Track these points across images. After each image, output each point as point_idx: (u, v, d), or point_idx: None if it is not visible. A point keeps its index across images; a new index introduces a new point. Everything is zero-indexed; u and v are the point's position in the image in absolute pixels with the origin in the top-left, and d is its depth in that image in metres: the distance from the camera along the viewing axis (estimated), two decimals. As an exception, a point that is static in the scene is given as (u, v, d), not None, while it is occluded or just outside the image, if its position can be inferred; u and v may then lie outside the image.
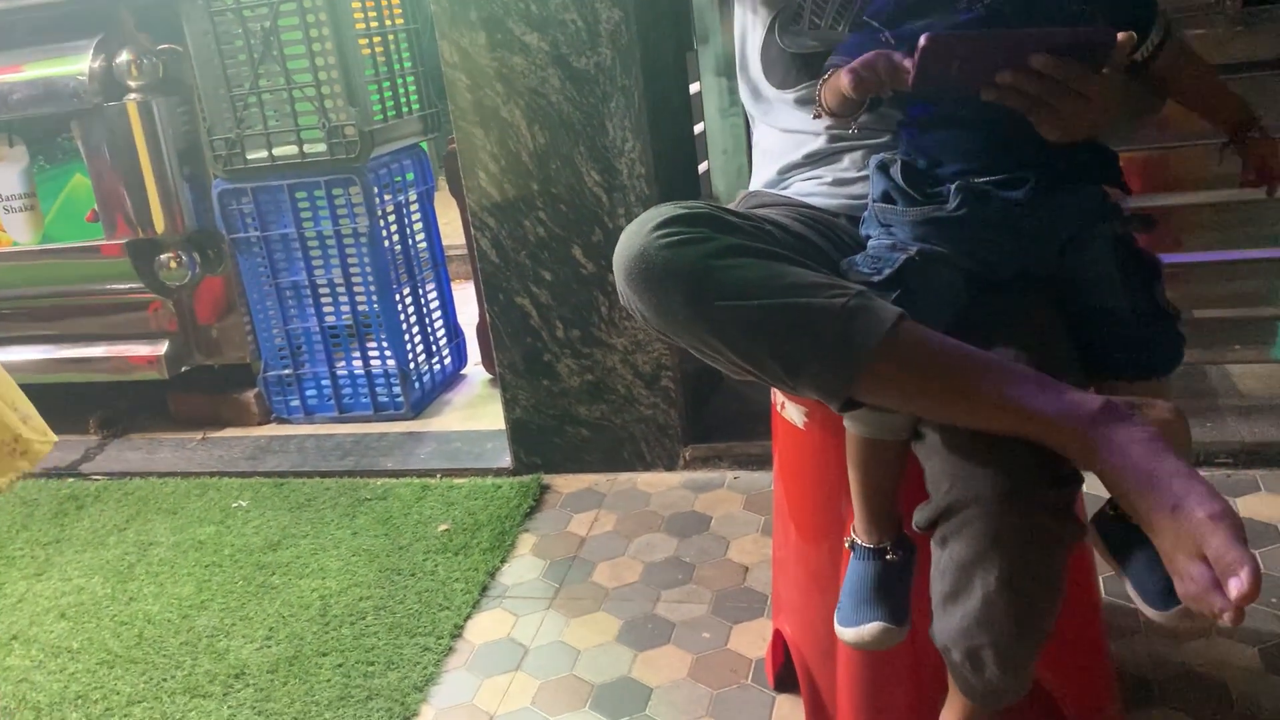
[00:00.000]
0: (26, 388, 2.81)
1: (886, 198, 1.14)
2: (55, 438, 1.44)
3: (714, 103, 2.45)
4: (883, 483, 1.17)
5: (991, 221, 1.08)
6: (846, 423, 1.17)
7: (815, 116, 1.16)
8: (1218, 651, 1.52)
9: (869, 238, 1.16)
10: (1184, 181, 2.03)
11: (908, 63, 0.99)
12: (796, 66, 1.28)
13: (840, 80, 1.05)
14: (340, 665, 1.72)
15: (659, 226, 1.04)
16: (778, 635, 1.53)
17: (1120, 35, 0.97)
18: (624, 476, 2.24)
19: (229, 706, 1.66)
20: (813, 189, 1.30)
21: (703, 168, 2.50)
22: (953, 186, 1.08)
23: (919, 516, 1.07)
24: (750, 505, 2.06)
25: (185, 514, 2.30)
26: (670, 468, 2.23)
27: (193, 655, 1.80)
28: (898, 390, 1.02)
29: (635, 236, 1.05)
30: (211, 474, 2.47)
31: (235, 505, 2.30)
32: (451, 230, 3.34)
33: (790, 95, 1.30)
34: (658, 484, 2.19)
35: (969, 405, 1.00)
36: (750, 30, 1.34)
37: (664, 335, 1.08)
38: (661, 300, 1.02)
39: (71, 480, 2.55)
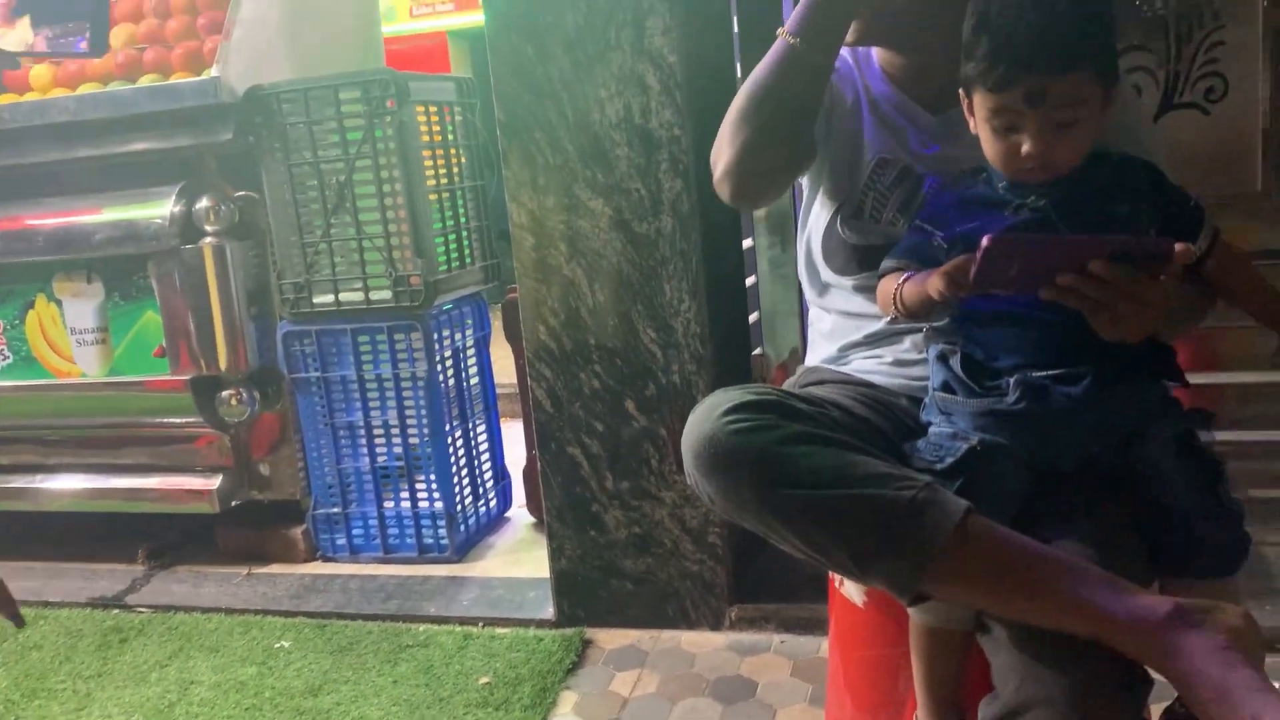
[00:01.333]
0: (76, 516, 2.88)
1: (946, 387, 1.16)
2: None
3: (765, 258, 2.52)
4: (946, 672, 1.16)
5: (1050, 416, 1.10)
6: (910, 610, 1.17)
7: (891, 320, 1.19)
8: None
9: (930, 424, 1.18)
10: (1242, 360, 2.04)
11: (970, 264, 1.03)
12: (857, 257, 1.32)
13: (931, 284, 1.07)
14: (378, 824, 1.69)
15: (728, 412, 1.07)
16: (829, 816, 1.49)
17: (1179, 246, 1.00)
18: (668, 634, 2.21)
19: None
20: (874, 368, 1.33)
21: (753, 318, 2.55)
22: (1011, 380, 1.11)
23: (985, 712, 1.05)
24: (798, 672, 2.03)
25: (227, 652, 2.29)
26: (715, 627, 2.21)
27: (229, 805, 1.77)
28: (966, 585, 1.02)
29: (704, 421, 1.08)
30: (255, 611, 2.48)
31: (278, 645, 2.29)
32: (501, 370, 3.40)
33: (849, 281, 1.34)
34: (702, 644, 2.16)
35: (1038, 604, 1.00)
36: (815, 217, 1.39)
37: (731, 519, 1.10)
38: (730, 486, 1.04)
39: (117, 611, 2.56)
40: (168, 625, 2.45)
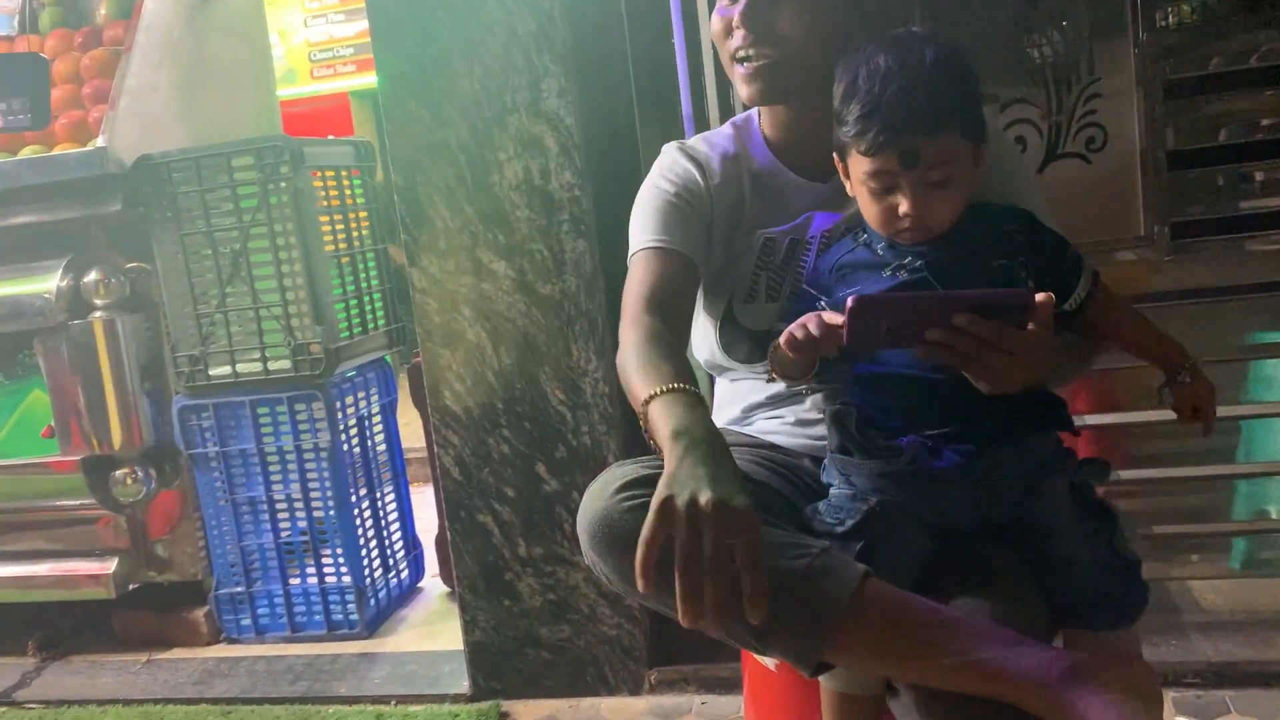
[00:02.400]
0: (-36, 608, 2.72)
1: (843, 449, 1.16)
2: None
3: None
4: (859, 736, 1.14)
5: (944, 475, 1.10)
6: (821, 678, 1.15)
7: (769, 380, 1.19)
8: None
9: (830, 485, 1.17)
10: (1132, 399, 2.09)
11: (839, 320, 1.04)
12: (760, 344, 1.26)
13: (780, 341, 1.08)
14: None
15: (620, 489, 1.04)
16: None
17: (1039, 296, 1.02)
18: (587, 702, 2.16)
19: None
20: (776, 428, 1.32)
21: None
22: (904, 441, 1.11)
23: (897, 774, 1.04)
24: (719, 733, 2.00)
25: (124, 748, 2.18)
26: (635, 692, 2.17)
27: None
28: (866, 650, 1.01)
29: (598, 499, 1.05)
30: (156, 700, 2.36)
31: (178, 738, 2.19)
32: (410, 433, 3.33)
33: (760, 368, 1.32)
34: (622, 710, 2.12)
35: (937, 665, 0.99)
36: (707, 315, 1.36)
37: (631, 598, 1.07)
38: (625, 565, 1.00)
39: (4, 709, 2.42)
40: (60, 721, 2.32)
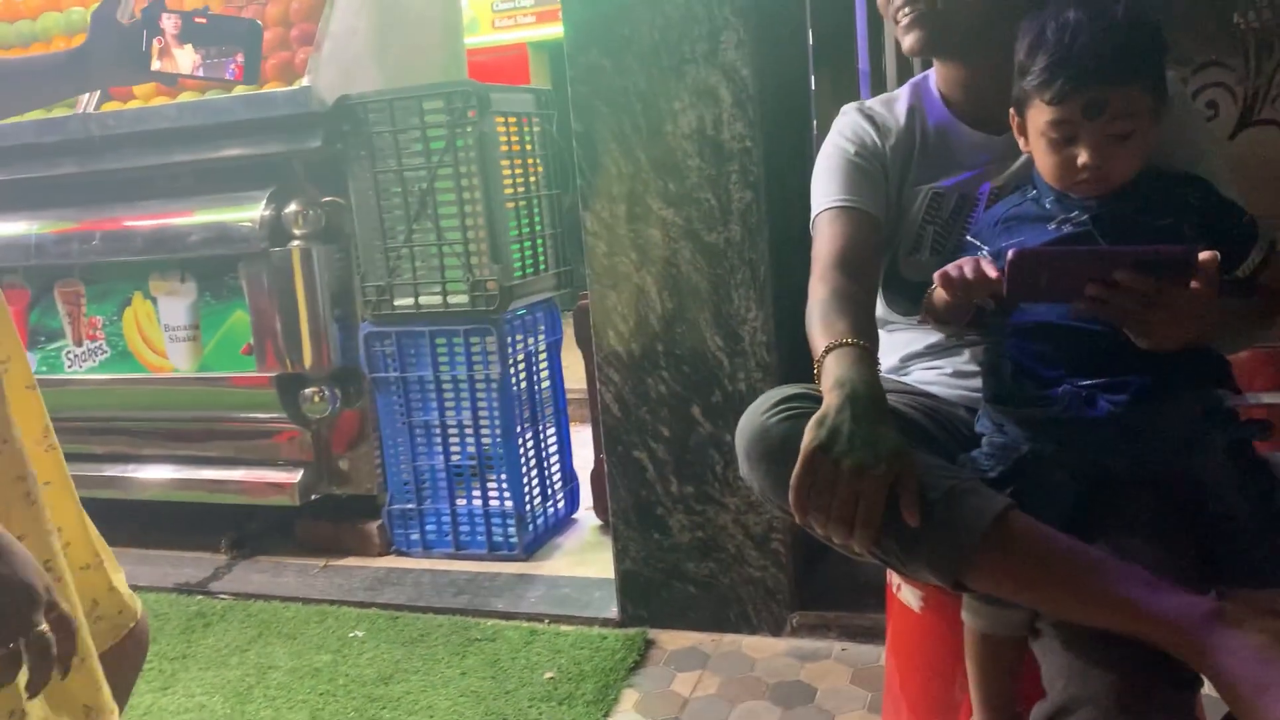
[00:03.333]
0: (164, 505, 3.01)
1: (997, 398, 1.18)
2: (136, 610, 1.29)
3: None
4: (1000, 679, 1.18)
5: (1098, 424, 1.11)
6: (964, 616, 1.19)
7: (920, 320, 1.22)
8: None
9: (982, 435, 1.20)
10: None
11: (993, 270, 1.06)
12: (920, 297, 1.31)
13: (935, 278, 1.11)
14: (443, 808, 1.75)
15: (776, 404, 1.14)
16: (883, 820, 1.51)
17: (1203, 255, 1.02)
18: (729, 638, 2.24)
19: (334, 840, 1.70)
20: (933, 378, 1.35)
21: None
22: (1059, 389, 1.13)
23: (1036, 714, 1.07)
24: (857, 679, 2.04)
25: (304, 640, 2.38)
26: (776, 633, 2.23)
27: (303, 783, 1.85)
28: (1007, 578, 1.04)
29: (754, 415, 1.15)
30: (331, 602, 2.57)
31: (352, 635, 2.38)
32: (571, 375, 3.47)
33: (917, 320, 1.37)
34: (763, 649, 2.19)
35: (1079, 600, 1.02)
36: None
37: (784, 512, 1.14)
38: (780, 474, 1.08)
39: (200, 598, 2.68)
40: (248, 612, 2.56)
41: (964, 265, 1.10)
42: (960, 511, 1.04)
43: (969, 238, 1.23)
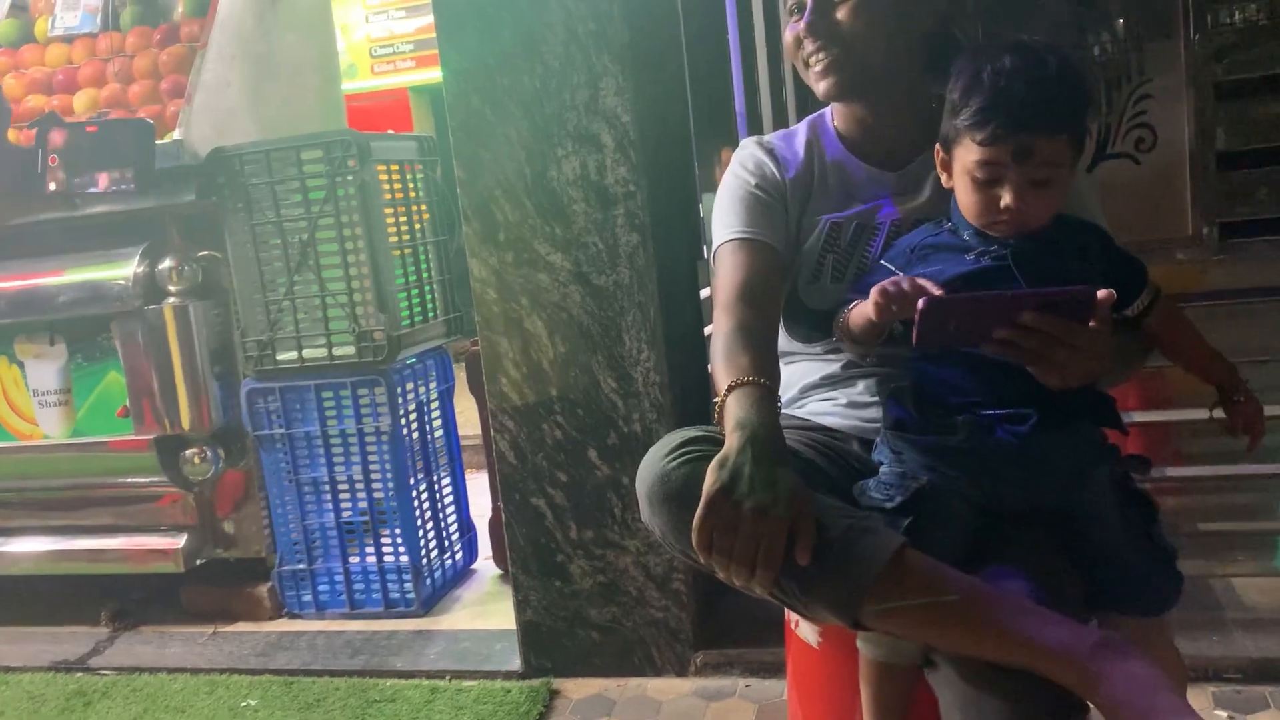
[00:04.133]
0: (39, 579, 2.85)
1: (899, 425, 1.21)
2: None
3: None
4: (894, 705, 1.20)
5: (996, 454, 1.15)
6: (860, 645, 1.21)
7: (835, 339, 1.24)
8: None
9: (880, 464, 1.23)
10: (1182, 398, 2.11)
11: (935, 289, 1.09)
12: (821, 325, 1.36)
13: (869, 299, 1.13)
14: None
15: (676, 449, 1.15)
16: None
17: (1100, 293, 1.07)
18: (634, 682, 2.23)
19: None
20: (828, 409, 1.38)
21: (712, 367, 2.60)
22: (960, 418, 1.16)
23: (933, 747, 1.09)
24: (763, 716, 2.05)
25: (193, 713, 2.28)
26: (681, 674, 2.23)
27: None
28: (902, 616, 1.07)
29: (654, 460, 1.16)
30: (221, 670, 2.47)
31: (244, 704, 2.29)
32: (466, 421, 3.43)
33: (818, 348, 1.40)
34: (668, 691, 2.18)
35: (970, 634, 1.05)
36: None
37: (686, 559, 1.14)
38: (682, 516, 1.09)
39: (80, 675, 2.54)
40: (132, 687, 2.44)
41: (901, 282, 1.12)
42: (856, 551, 1.06)
43: (883, 262, 1.25)
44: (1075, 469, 1.16)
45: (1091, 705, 1.01)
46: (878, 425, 1.29)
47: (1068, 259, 1.18)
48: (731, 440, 1.09)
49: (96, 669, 2.56)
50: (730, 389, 1.15)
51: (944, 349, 1.16)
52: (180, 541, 2.71)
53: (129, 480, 2.75)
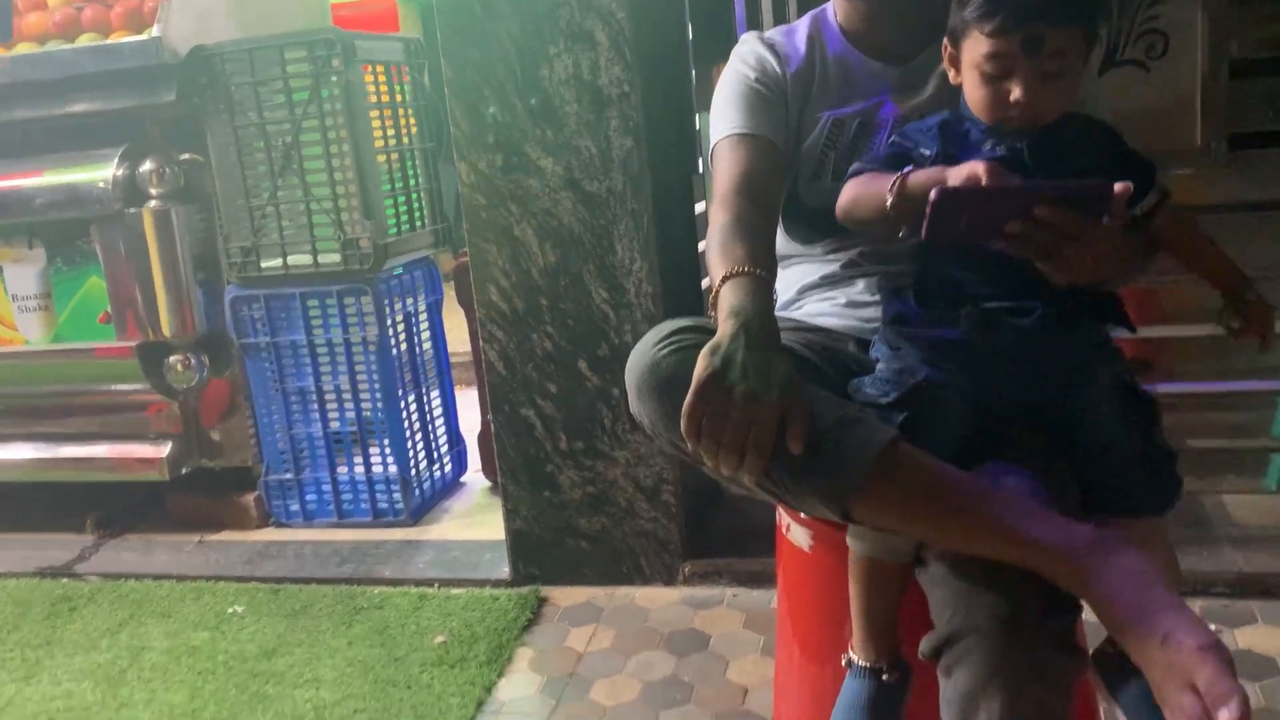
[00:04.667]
0: (24, 486, 2.83)
1: (899, 319, 1.18)
2: None
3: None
4: (882, 603, 1.19)
5: (999, 348, 1.12)
6: (849, 541, 1.19)
7: (891, 208, 1.16)
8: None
9: (877, 361, 1.20)
10: (1178, 314, 2.09)
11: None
12: (821, 224, 1.32)
13: (978, 168, 1.06)
14: (333, 780, 1.69)
15: (666, 337, 1.12)
16: (779, 761, 1.52)
17: (1117, 186, 1.03)
18: (622, 591, 2.23)
19: (218, 821, 1.63)
20: (827, 309, 1.35)
21: (704, 283, 2.56)
22: (964, 311, 1.13)
23: (924, 646, 1.08)
24: (750, 624, 2.06)
25: (179, 618, 2.28)
26: (669, 583, 2.23)
27: (182, 766, 1.77)
28: (894, 509, 1.05)
29: (644, 349, 1.13)
30: (208, 578, 2.46)
31: (231, 611, 2.28)
32: (455, 339, 3.39)
33: (817, 249, 1.37)
34: (656, 599, 2.18)
35: (963, 530, 1.03)
36: None
37: (675, 446, 1.12)
38: (672, 405, 1.06)
39: (65, 581, 2.53)
40: (118, 593, 2.43)
41: (979, 169, 1.05)
42: (849, 442, 1.04)
43: (901, 136, 1.20)
44: (1078, 367, 1.14)
45: (1085, 603, 0.99)
46: (876, 325, 1.26)
47: (1078, 156, 1.14)
48: (724, 327, 1.06)
49: (82, 575, 2.56)
50: (725, 279, 1.12)
51: (954, 243, 1.12)
52: (165, 450, 2.69)
53: (113, 388, 2.72)
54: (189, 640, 2.17)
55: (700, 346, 1.06)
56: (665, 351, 1.10)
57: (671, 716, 1.80)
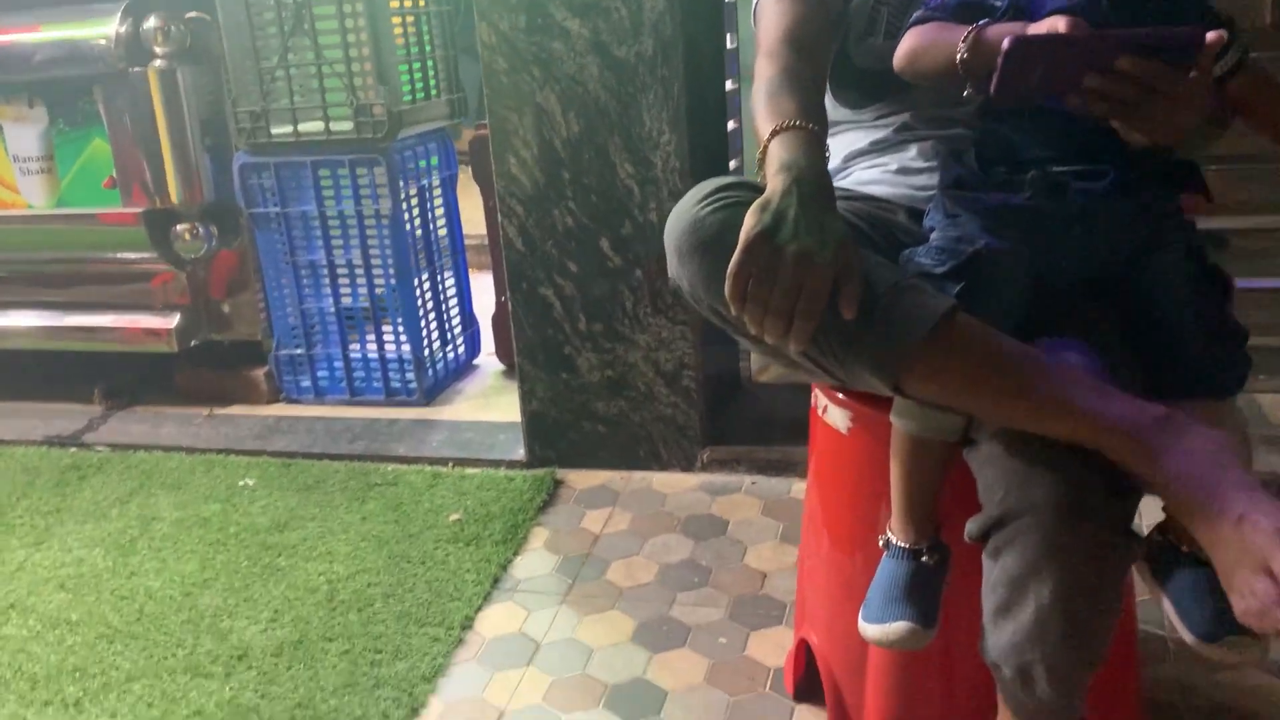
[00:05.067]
0: (29, 355, 2.79)
1: (958, 184, 1.10)
2: None
3: (748, 101, 2.41)
4: (926, 483, 1.13)
5: (1066, 215, 1.05)
6: (894, 420, 1.13)
7: (960, 59, 1.08)
8: (1249, 683, 1.49)
9: (931, 230, 1.12)
10: (1242, 205, 2.00)
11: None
12: (872, 88, 1.24)
13: (1058, 22, 0.97)
14: (347, 652, 1.68)
15: (711, 194, 1.04)
16: (801, 645, 1.49)
17: (1210, 35, 0.94)
18: (639, 475, 2.20)
19: (231, 688, 1.61)
20: (876, 176, 1.27)
21: (733, 165, 2.46)
22: (1029, 176, 1.05)
23: (971, 527, 1.03)
24: (768, 511, 2.02)
25: (190, 490, 2.25)
26: (687, 469, 2.19)
27: (194, 634, 1.76)
28: (950, 381, 0.98)
29: (686, 207, 1.05)
30: (218, 451, 2.43)
31: (242, 484, 2.25)
32: (469, 222, 3.30)
33: (867, 116, 1.28)
34: (674, 485, 2.15)
35: (1024, 405, 0.97)
36: None
37: (716, 312, 1.05)
38: (715, 266, 0.99)
39: (74, 450, 2.50)
40: (127, 464, 2.40)
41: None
42: (904, 309, 0.97)
43: None
44: (1149, 237, 1.06)
45: (1150, 485, 0.93)
46: (929, 193, 1.18)
47: (1158, 11, 1.04)
48: (775, 183, 0.98)
49: (90, 445, 2.53)
50: (774, 134, 1.03)
51: (1024, 100, 1.04)
52: (174, 321, 2.63)
53: (119, 256, 2.65)
54: (199, 512, 2.15)
55: (748, 204, 0.98)
56: (710, 209, 1.02)
57: (689, 599, 1.78)
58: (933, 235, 1.10)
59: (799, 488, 2.09)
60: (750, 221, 0.96)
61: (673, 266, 1.07)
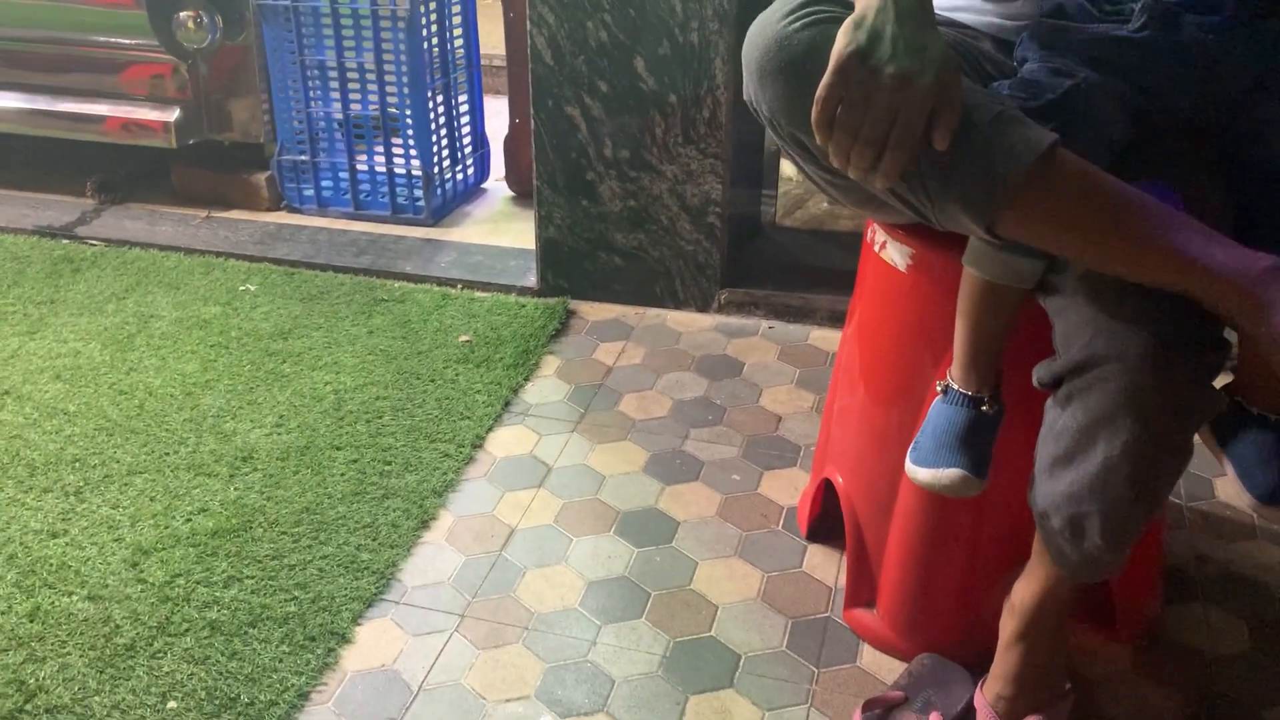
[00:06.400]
0: (19, 140, 2.66)
1: (1059, 12, 1.01)
2: None
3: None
4: (996, 331, 1.09)
5: (1177, 48, 0.96)
6: (966, 264, 1.07)
7: None
8: (1265, 555, 1.49)
9: (1024, 61, 1.04)
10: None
11: None
12: None
13: None
14: (355, 461, 1.65)
15: (796, 8, 0.95)
16: (820, 487, 1.47)
17: None
18: (653, 312, 2.14)
19: (236, 488, 1.59)
20: (963, 2, 1.17)
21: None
22: (1139, 4, 0.97)
23: (1042, 373, 0.99)
24: (784, 356, 1.98)
25: (188, 290, 2.18)
26: (703, 309, 2.14)
27: (197, 433, 1.72)
28: (1050, 220, 0.91)
29: (768, 21, 0.96)
30: (217, 253, 2.34)
31: (243, 289, 2.18)
32: (484, 41, 3.14)
33: None
34: (689, 324, 2.10)
35: (1126, 247, 0.90)
36: None
37: (795, 141, 0.98)
38: (800, 88, 0.91)
39: (66, 242, 2.41)
40: (122, 259, 2.32)
41: None
42: (1006, 141, 0.89)
43: None
44: (1263, 77, 0.98)
45: (1251, 337, 0.89)
46: (1019, 24, 1.09)
47: None
48: None
49: (83, 238, 2.43)
50: None
51: None
52: (172, 116, 2.50)
53: (115, 40, 2.49)
54: (199, 313, 2.08)
55: (840, 21, 0.89)
56: (797, 24, 0.93)
57: (702, 435, 1.75)
58: (1025, 67, 1.02)
59: (817, 335, 2.05)
60: (843, 40, 0.87)
61: (750, 87, 0.98)
